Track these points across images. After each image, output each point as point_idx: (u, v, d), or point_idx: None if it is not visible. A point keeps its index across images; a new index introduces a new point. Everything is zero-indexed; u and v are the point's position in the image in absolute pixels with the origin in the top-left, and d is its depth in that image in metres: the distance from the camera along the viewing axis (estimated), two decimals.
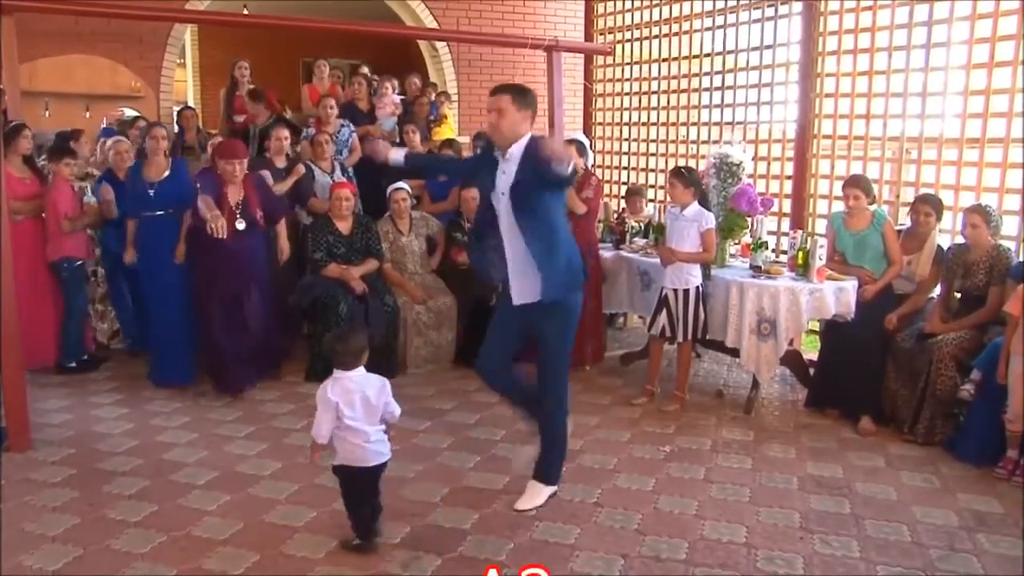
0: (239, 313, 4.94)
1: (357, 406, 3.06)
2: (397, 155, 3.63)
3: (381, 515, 3.22)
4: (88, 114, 7.42)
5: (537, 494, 3.53)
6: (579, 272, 3.49)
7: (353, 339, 3.14)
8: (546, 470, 3.57)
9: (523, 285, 3.39)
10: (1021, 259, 4.42)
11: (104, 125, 7.36)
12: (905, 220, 5.00)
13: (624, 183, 7.71)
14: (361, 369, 3.13)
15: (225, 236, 4.66)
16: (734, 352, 5.07)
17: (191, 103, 10.99)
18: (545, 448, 3.55)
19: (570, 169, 3.19)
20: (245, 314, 4.95)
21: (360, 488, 3.16)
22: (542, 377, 3.50)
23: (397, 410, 3.19)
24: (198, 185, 4.85)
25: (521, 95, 3.31)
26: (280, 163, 6.00)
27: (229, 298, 4.91)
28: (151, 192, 5.12)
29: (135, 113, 7.61)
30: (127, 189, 5.32)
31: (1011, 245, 4.64)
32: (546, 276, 3.30)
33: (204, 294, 4.92)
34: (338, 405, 3.04)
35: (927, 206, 4.75)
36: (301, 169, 5.96)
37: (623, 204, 6.84)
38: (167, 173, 5.18)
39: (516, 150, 3.31)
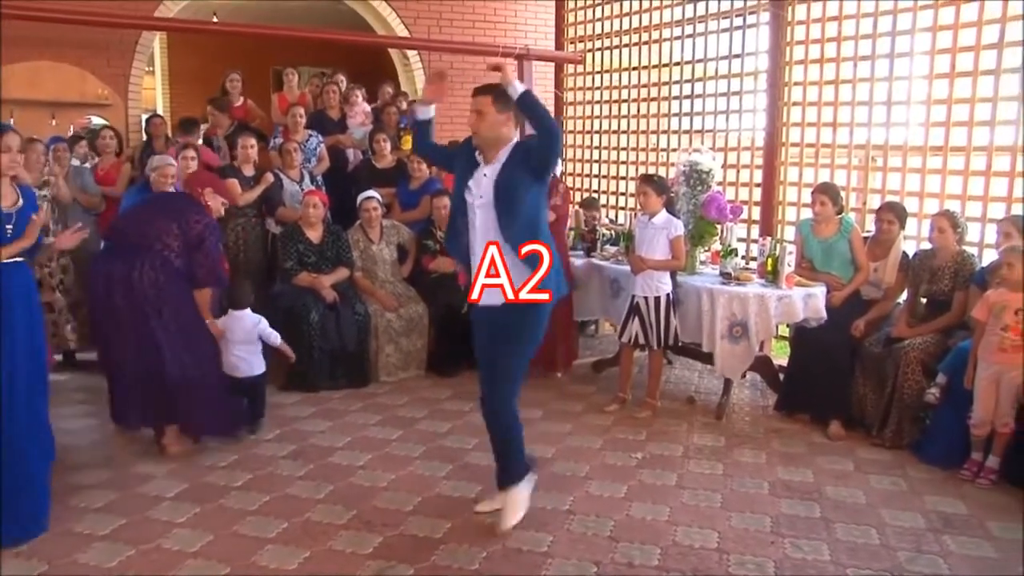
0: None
1: (236, 332, 4.51)
2: (428, 111, 3.52)
3: (262, 421, 4.59)
4: (54, 122, 7.33)
5: (518, 501, 3.42)
6: (561, 277, 3.42)
7: (244, 289, 4.65)
8: (516, 471, 3.44)
9: (495, 287, 3.28)
10: (984, 265, 4.50)
11: (71, 133, 7.27)
12: (872, 227, 5.08)
13: (594, 191, 7.75)
14: (247, 310, 4.58)
15: None
16: (706, 358, 5.11)
17: (160, 111, 10.89)
18: (509, 451, 3.43)
19: (519, 91, 3.16)
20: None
21: (238, 390, 4.48)
22: (496, 375, 3.34)
23: (274, 337, 4.65)
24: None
25: (502, 95, 3.23)
26: (248, 171, 5.97)
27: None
28: (9, 227, 3.44)
29: (103, 121, 7.53)
30: None
31: (974, 251, 4.74)
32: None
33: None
34: (225, 331, 4.49)
35: (890, 214, 4.83)
36: (270, 178, 5.93)
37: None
38: (20, 203, 3.53)
39: (503, 154, 3.27)
